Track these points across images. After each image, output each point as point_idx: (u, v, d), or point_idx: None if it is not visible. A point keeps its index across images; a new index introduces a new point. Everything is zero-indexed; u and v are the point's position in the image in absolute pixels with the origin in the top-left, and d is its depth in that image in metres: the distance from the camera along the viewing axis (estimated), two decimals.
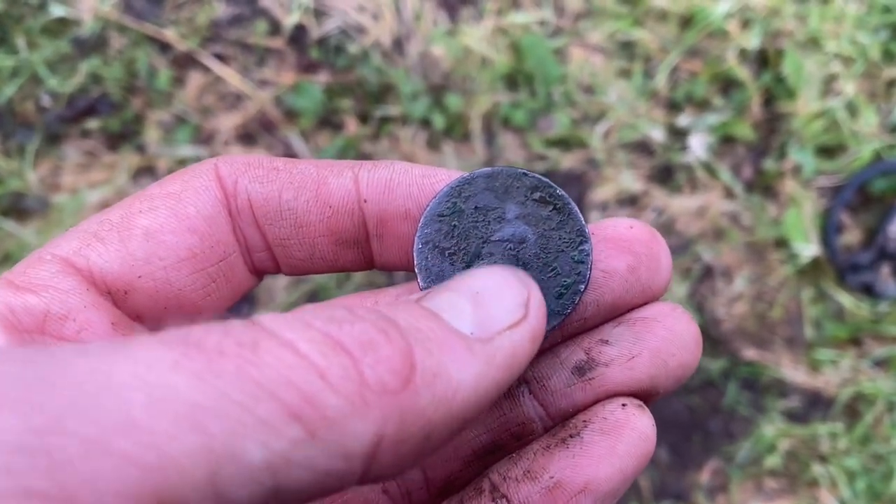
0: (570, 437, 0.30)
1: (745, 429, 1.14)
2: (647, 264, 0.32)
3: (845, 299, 1.17)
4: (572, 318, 0.32)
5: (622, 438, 0.30)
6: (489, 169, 0.33)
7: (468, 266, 0.32)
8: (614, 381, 0.31)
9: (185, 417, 0.18)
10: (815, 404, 1.15)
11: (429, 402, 0.22)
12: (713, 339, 1.16)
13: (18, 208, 1.16)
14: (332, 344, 0.22)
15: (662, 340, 0.31)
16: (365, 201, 0.32)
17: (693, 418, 1.14)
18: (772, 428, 1.13)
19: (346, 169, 0.33)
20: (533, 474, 0.30)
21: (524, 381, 0.33)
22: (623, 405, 0.31)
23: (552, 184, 0.33)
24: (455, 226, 0.32)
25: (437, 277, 0.32)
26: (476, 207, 0.33)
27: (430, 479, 0.34)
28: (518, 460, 0.31)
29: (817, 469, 1.12)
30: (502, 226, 0.33)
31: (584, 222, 0.32)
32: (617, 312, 0.32)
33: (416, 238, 0.32)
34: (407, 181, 0.32)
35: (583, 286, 0.32)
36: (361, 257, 0.34)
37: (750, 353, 1.16)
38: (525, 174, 0.33)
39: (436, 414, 0.22)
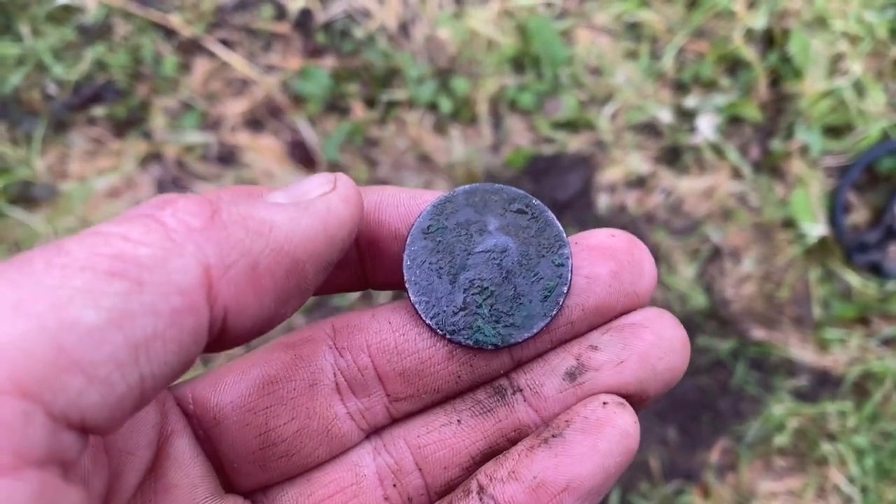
0: (553, 436, 0.31)
1: (754, 408, 1.14)
2: (629, 269, 0.33)
3: (853, 279, 1.18)
4: (559, 320, 0.33)
5: (603, 436, 0.30)
6: (468, 186, 0.35)
7: (455, 277, 0.34)
8: (604, 385, 0.32)
9: (9, 310, 0.21)
10: (823, 383, 1.16)
11: (244, 235, 0.25)
12: (722, 319, 1.17)
13: (26, 196, 1.16)
14: (127, 218, 0.24)
15: (650, 345, 0.32)
16: None
17: (702, 398, 1.15)
18: (781, 407, 1.14)
19: None
20: (517, 474, 0.31)
21: (518, 388, 0.34)
22: (604, 403, 0.31)
23: (528, 195, 0.35)
24: (440, 241, 0.34)
25: (425, 291, 0.34)
26: (458, 223, 0.34)
27: (430, 485, 0.35)
28: (504, 461, 0.32)
29: (826, 447, 1.12)
30: (484, 237, 0.34)
31: (561, 228, 0.34)
32: (603, 318, 0.33)
33: (404, 255, 0.34)
34: (395, 203, 0.34)
35: (565, 288, 0.33)
36: (354, 278, 0.35)
37: (758, 333, 1.16)
38: (501, 188, 0.35)
39: (255, 245, 0.25)
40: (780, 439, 1.13)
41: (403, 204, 0.34)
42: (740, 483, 1.11)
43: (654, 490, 1.10)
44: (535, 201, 0.35)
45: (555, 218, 0.34)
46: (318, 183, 0.30)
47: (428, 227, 0.34)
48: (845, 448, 1.12)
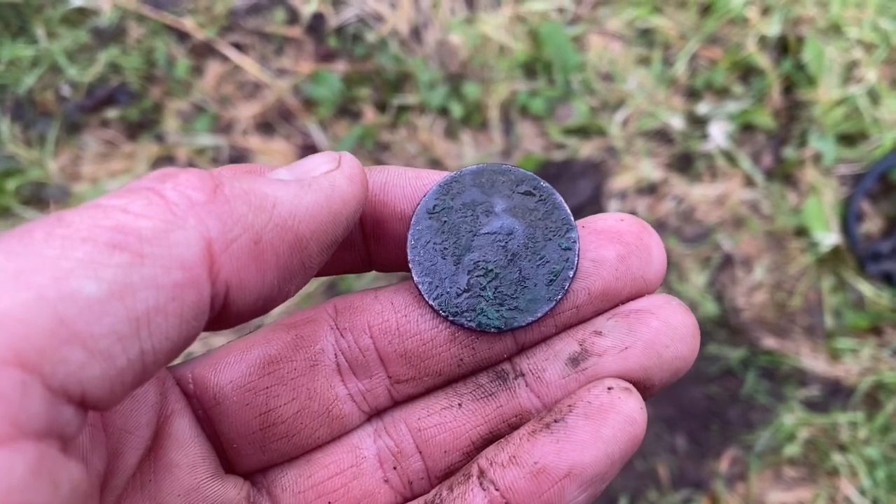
0: (555, 421, 0.30)
1: (765, 417, 1.14)
2: (637, 254, 0.32)
3: (865, 288, 1.17)
4: (564, 305, 0.33)
5: (607, 422, 0.30)
6: (475, 166, 0.34)
7: (459, 258, 0.33)
8: (607, 371, 0.32)
9: (9, 280, 0.20)
10: (834, 393, 1.15)
11: (247, 210, 0.25)
12: (732, 327, 1.16)
13: (39, 197, 1.17)
14: (127, 191, 0.24)
15: (656, 332, 0.31)
16: None
17: (712, 407, 1.14)
18: (791, 417, 1.13)
19: None
20: (518, 459, 0.30)
21: (521, 373, 0.33)
22: (609, 388, 0.31)
23: (536, 176, 0.34)
24: (445, 221, 0.34)
25: (429, 271, 0.33)
26: (464, 203, 0.34)
27: (431, 469, 0.34)
28: (505, 445, 0.32)
29: (837, 458, 1.11)
30: (490, 219, 0.34)
31: (569, 211, 0.34)
32: (609, 302, 0.33)
33: (408, 235, 0.33)
34: (401, 183, 0.34)
35: (571, 272, 0.32)
36: (358, 259, 0.35)
37: (769, 342, 1.16)
38: (510, 169, 0.34)
39: (258, 220, 0.25)
40: (791, 449, 1.12)
41: (409, 184, 0.34)
42: (749, 493, 1.10)
43: (662, 499, 1.10)
44: (544, 183, 0.34)
45: (563, 201, 0.34)
46: (322, 160, 0.30)
47: (433, 208, 0.34)
48: (856, 459, 1.11)
